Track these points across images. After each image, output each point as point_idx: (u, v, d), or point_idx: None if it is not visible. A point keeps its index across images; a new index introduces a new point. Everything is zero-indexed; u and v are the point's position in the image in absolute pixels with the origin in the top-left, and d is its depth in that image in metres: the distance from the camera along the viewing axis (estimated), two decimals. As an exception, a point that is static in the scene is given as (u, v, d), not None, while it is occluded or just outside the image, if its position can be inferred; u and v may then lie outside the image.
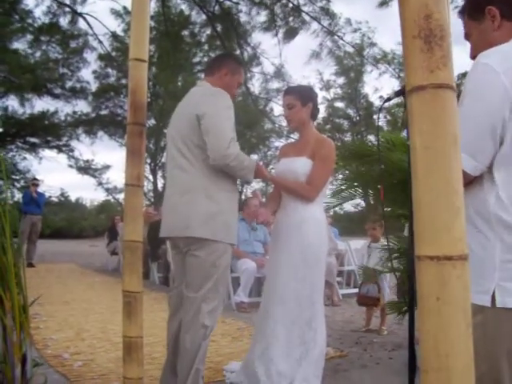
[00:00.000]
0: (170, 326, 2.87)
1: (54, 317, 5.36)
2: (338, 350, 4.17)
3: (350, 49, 16.42)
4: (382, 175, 3.04)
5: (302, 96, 3.18)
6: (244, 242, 6.58)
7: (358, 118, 34.90)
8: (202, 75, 3.06)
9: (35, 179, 12.18)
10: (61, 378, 3.33)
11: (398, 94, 2.10)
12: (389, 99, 2.14)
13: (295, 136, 3.40)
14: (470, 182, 1.38)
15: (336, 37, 14.05)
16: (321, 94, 32.83)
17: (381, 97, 31.95)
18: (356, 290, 5.85)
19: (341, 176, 4.17)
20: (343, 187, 3.96)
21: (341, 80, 33.38)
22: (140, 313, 2.14)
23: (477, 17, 1.55)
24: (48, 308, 5.90)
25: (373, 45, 19.31)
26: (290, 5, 13.24)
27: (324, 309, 3.17)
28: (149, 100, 24.75)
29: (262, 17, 13.99)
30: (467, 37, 1.63)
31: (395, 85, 28.81)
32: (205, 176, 2.68)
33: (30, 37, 19.05)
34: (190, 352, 2.61)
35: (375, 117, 32.48)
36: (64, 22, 15.24)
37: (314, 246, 3.00)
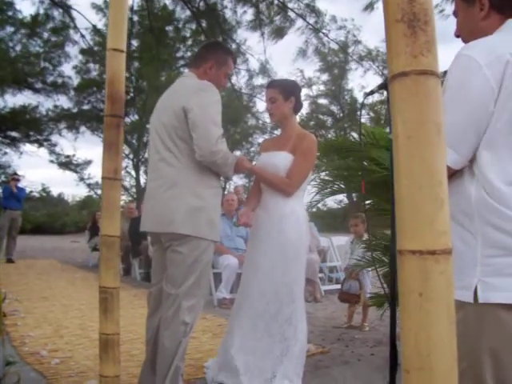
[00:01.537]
0: (149, 324, 2.82)
1: (32, 313, 5.28)
2: (319, 346, 4.15)
3: (335, 46, 16.38)
4: (364, 169, 3.02)
5: (285, 90, 3.15)
6: (226, 237, 6.55)
7: (341, 114, 34.98)
8: (186, 70, 3.00)
9: (16, 174, 12.04)
10: (37, 375, 3.27)
11: (380, 87, 2.08)
12: (372, 92, 2.12)
13: (279, 132, 3.37)
14: (451, 175, 1.36)
15: (321, 34, 13.99)
16: (303, 91, 32.87)
17: (365, 94, 32.05)
18: (338, 286, 5.85)
19: (324, 173, 4.14)
20: (326, 179, 3.93)
21: (324, 76, 33.44)
22: (116, 309, 2.08)
23: None
24: (27, 304, 5.81)
25: (358, 42, 19.29)
26: (276, 1, 13.16)
27: (305, 305, 3.15)
28: (132, 95, 24.61)
29: (248, 15, 13.88)
30: (455, 14, 1.60)
31: (379, 82, 28.91)
32: (190, 171, 2.63)
33: (10, 29, 18.82)
34: (169, 349, 2.57)
35: (359, 113, 32.57)
36: (46, 14, 14.98)
37: (294, 242, 2.97)
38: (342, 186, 3.78)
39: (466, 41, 1.54)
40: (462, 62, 1.36)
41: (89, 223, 12.07)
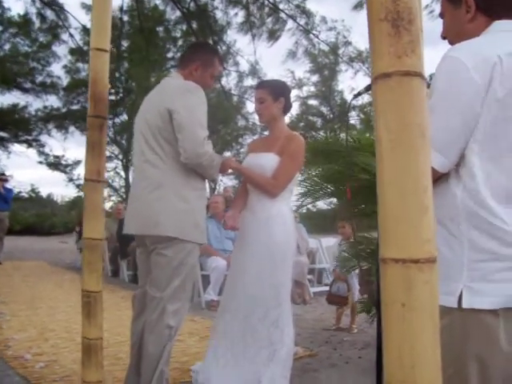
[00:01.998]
0: (134, 327, 2.77)
1: (17, 316, 5.21)
2: (307, 349, 4.12)
3: (325, 47, 16.41)
4: (350, 175, 3.00)
5: (274, 90, 3.12)
6: (215, 239, 6.51)
7: (331, 115, 35.03)
8: (172, 71, 2.96)
9: (3, 174, 11.92)
10: (21, 379, 3.21)
11: (368, 88, 2.05)
12: (359, 94, 2.09)
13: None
14: (437, 178, 1.34)
15: (312, 35, 13.99)
16: (293, 92, 33.03)
17: (354, 95, 32.19)
18: (327, 288, 5.83)
19: (313, 173, 4.11)
20: (314, 184, 3.90)
21: (315, 78, 33.47)
22: (100, 313, 2.05)
23: (453, 0, 1.50)
24: (13, 307, 5.74)
25: (348, 43, 19.35)
26: (266, 2, 13.12)
27: (294, 307, 3.12)
28: (121, 95, 24.52)
29: (239, 17, 13.84)
30: (441, 15, 1.58)
31: (368, 83, 29.06)
32: (175, 173, 2.60)
33: (-2, 28, 18.69)
34: (153, 354, 2.53)
35: (349, 114, 32.67)
36: (38, 13, 14.86)
37: (281, 244, 2.93)
38: (332, 189, 3.75)
39: (452, 43, 1.52)
40: (449, 63, 1.34)
41: (77, 224, 11.96)
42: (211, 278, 6.19)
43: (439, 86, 1.35)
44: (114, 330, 4.54)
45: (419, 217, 0.69)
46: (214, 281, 6.15)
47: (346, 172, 3.11)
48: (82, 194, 30.30)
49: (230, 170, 3.14)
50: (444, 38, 1.59)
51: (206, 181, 2.84)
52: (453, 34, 1.54)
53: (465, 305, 1.30)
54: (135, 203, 2.71)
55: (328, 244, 7.82)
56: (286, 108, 3.18)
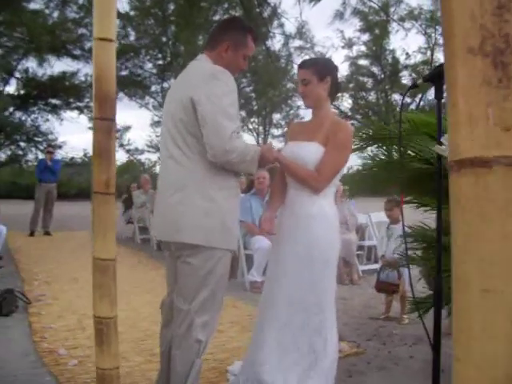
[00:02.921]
0: (162, 336, 2.56)
1: (58, 299, 5.10)
2: (353, 344, 3.83)
3: (375, 5, 15.61)
4: (403, 165, 2.64)
5: (319, 70, 2.74)
6: (258, 217, 6.24)
7: (382, 76, 33.78)
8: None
9: (50, 146, 12.06)
10: (52, 380, 3.07)
11: (426, 79, 1.69)
12: (415, 86, 1.73)
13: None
14: None
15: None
16: (343, 52, 32.19)
17: (407, 54, 31.03)
18: (377, 266, 5.51)
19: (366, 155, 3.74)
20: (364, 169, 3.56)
21: (365, 37, 32.14)
22: (114, 341, 1.82)
23: None
24: (55, 287, 5.68)
25: (399, 1, 18.31)
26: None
27: (341, 289, 2.80)
28: (169, 59, 24.33)
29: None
30: None
31: (421, 42, 27.80)
32: (201, 171, 2.29)
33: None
34: (181, 371, 2.29)
35: (401, 74, 31.52)
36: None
37: (322, 245, 2.61)
38: (383, 175, 3.39)
39: None
40: None
41: (123, 194, 11.83)
42: (255, 258, 5.95)
43: None
44: (153, 318, 4.37)
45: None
46: (258, 261, 5.89)
47: (399, 162, 2.75)
48: (133, 158, 30.82)
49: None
50: None
51: None
52: None
53: None
54: (158, 205, 2.45)
55: (378, 219, 7.40)
56: (334, 90, 2.81)
